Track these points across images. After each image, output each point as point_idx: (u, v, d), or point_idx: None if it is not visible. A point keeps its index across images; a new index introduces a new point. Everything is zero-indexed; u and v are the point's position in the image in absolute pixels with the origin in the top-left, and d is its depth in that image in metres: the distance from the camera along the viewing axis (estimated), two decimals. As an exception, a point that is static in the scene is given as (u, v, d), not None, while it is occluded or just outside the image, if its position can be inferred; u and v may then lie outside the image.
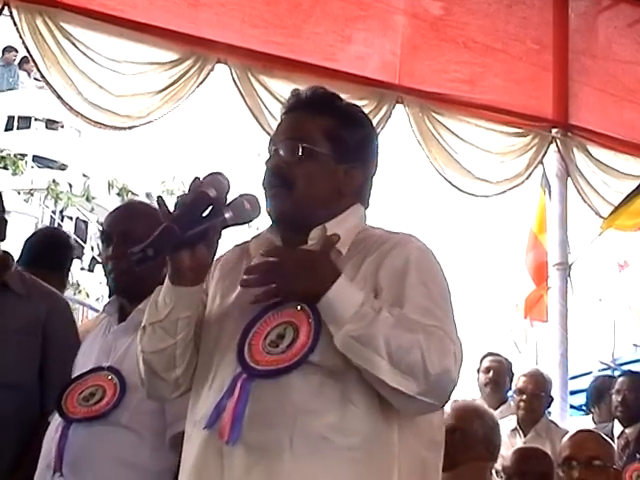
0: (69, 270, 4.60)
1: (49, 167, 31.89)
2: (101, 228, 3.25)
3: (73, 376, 3.12)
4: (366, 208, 2.46)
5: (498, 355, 6.57)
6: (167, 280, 2.24)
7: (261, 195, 2.32)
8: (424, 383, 2.06)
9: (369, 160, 2.45)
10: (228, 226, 2.21)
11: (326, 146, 2.35)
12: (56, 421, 2.99)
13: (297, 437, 2.07)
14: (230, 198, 2.22)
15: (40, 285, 3.72)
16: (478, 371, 6.43)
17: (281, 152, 2.34)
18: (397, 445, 2.17)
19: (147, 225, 3.14)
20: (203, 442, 2.17)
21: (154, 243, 2.14)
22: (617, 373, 8.79)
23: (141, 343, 2.31)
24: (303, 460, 2.07)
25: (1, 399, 3.28)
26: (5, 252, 3.57)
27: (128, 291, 3.15)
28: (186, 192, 2.21)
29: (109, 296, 3.70)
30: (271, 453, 2.08)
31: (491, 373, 6.36)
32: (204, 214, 2.18)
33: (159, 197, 2.22)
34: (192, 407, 2.30)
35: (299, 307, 2.17)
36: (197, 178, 2.22)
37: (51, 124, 34.90)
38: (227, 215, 2.19)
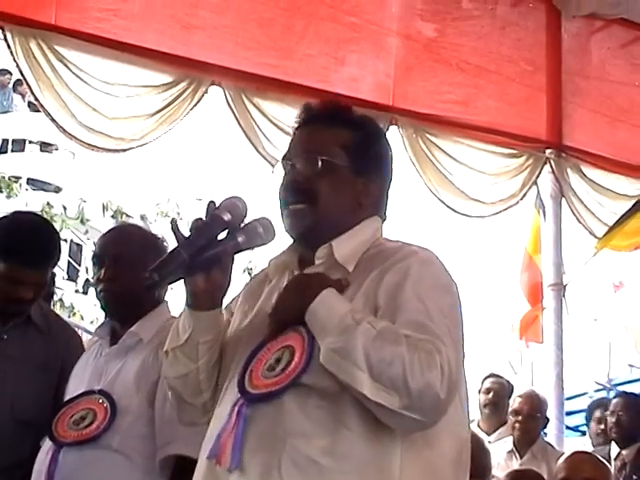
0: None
1: (43, 190, 31.93)
2: (93, 250, 3.25)
3: (65, 399, 3.11)
4: (384, 220, 2.43)
5: (499, 377, 6.55)
6: (185, 305, 2.23)
7: (273, 215, 2.31)
8: (406, 398, 1.98)
9: (385, 172, 2.43)
10: (241, 250, 2.21)
11: (344, 158, 2.32)
12: (47, 445, 2.98)
13: (285, 460, 2.04)
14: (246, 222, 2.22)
15: (56, 318, 3.74)
16: (479, 392, 6.41)
17: (299, 166, 2.31)
18: (399, 472, 2.08)
19: (138, 248, 3.15)
20: (205, 470, 2.17)
21: (158, 268, 2.13)
22: (613, 394, 8.79)
23: (163, 369, 2.31)
24: None
25: (21, 437, 3.23)
26: None
27: (120, 314, 3.15)
28: (200, 216, 2.18)
29: (105, 318, 3.70)
30: (262, 476, 2.05)
31: (491, 394, 6.34)
32: (219, 238, 2.17)
33: (173, 220, 2.21)
34: (207, 433, 2.27)
35: (297, 330, 2.15)
36: (212, 202, 2.20)
37: (45, 147, 34.94)
38: (240, 239, 2.18)
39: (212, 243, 2.15)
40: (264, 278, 2.40)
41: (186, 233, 2.17)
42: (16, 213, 3.62)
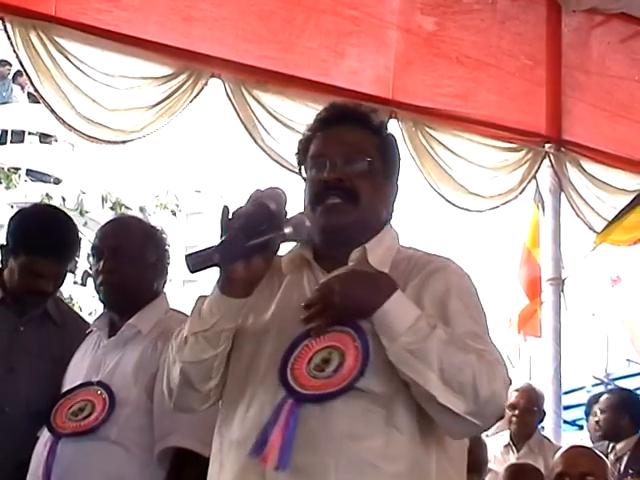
0: None
1: (42, 181, 31.94)
2: (92, 242, 3.25)
3: (63, 391, 3.11)
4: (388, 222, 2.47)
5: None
6: (216, 289, 2.19)
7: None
8: (473, 403, 2.06)
9: (398, 176, 2.48)
10: (286, 241, 2.20)
11: (380, 162, 2.37)
12: (45, 436, 2.98)
13: (343, 462, 2.07)
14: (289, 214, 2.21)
15: (72, 313, 3.76)
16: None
17: (341, 165, 2.32)
18: (435, 473, 2.16)
19: (137, 240, 3.16)
20: (242, 465, 2.15)
21: (221, 250, 2.10)
22: (610, 388, 8.81)
23: (180, 353, 2.25)
24: None
25: (35, 428, 3.20)
26: None
27: (119, 306, 3.15)
28: (246, 203, 2.17)
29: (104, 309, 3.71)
30: (316, 477, 2.07)
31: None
32: (264, 227, 2.15)
33: (225, 206, 2.17)
34: (225, 426, 2.27)
35: (342, 331, 2.16)
36: (257, 189, 2.20)
37: (45, 138, 34.92)
38: (287, 230, 2.16)
39: (259, 231, 2.13)
40: (271, 272, 2.35)
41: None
42: (35, 206, 3.63)
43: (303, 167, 2.44)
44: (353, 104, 2.48)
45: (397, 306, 2.11)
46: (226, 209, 2.16)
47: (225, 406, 2.30)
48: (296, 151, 2.49)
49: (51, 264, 3.33)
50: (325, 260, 2.33)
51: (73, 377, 3.13)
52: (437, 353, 2.06)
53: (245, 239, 2.10)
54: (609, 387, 9.24)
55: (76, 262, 3.69)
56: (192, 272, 2.15)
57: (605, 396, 6.53)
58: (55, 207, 3.90)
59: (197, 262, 2.11)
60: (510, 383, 2.16)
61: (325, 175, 2.31)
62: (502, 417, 2.31)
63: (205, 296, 2.27)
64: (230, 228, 2.12)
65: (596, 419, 6.31)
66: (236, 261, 2.12)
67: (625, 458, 5.97)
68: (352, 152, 2.33)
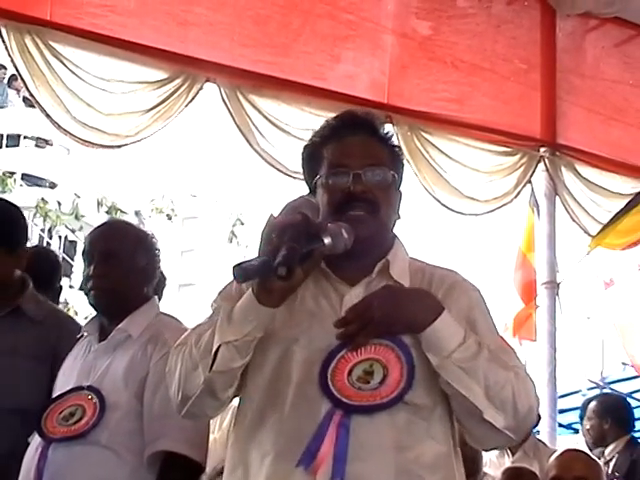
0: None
1: (38, 185, 31.90)
2: (83, 247, 3.25)
3: (53, 396, 3.11)
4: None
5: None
6: (251, 298, 2.17)
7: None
8: (512, 419, 2.16)
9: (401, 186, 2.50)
10: (326, 251, 2.18)
11: (393, 172, 2.39)
12: (36, 441, 2.98)
13: (392, 472, 2.12)
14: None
15: (55, 310, 3.73)
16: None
17: (365, 177, 2.32)
18: None
19: (128, 244, 3.16)
20: (284, 476, 2.14)
21: (287, 262, 2.05)
22: (606, 392, 8.80)
23: (204, 361, 2.20)
24: None
25: (12, 424, 3.21)
26: (22, 276, 3.54)
27: (109, 310, 3.15)
28: (286, 212, 2.21)
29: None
30: None
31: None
32: (308, 236, 2.14)
33: (271, 215, 2.19)
34: (251, 434, 2.24)
35: (381, 344, 2.18)
36: (294, 200, 2.27)
37: (40, 142, 34.91)
38: (326, 241, 2.16)
39: (305, 241, 2.12)
40: None
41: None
42: None
43: (311, 173, 2.43)
44: (365, 113, 2.48)
45: (447, 324, 2.17)
46: (272, 217, 2.22)
47: (248, 414, 2.27)
48: (303, 156, 2.48)
49: None
50: (341, 270, 2.33)
51: (64, 382, 3.13)
52: (483, 370, 2.14)
53: (301, 248, 2.09)
54: (604, 391, 9.24)
55: (26, 250, 3.61)
56: (241, 282, 2.15)
57: (592, 403, 6.58)
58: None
59: (252, 273, 2.09)
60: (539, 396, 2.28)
61: (350, 186, 2.31)
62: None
63: (221, 305, 2.26)
64: (281, 239, 2.10)
65: (586, 427, 6.36)
66: (295, 272, 2.09)
67: (612, 462, 6.00)
68: (375, 164, 2.35)
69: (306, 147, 2.48)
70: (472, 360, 2.13)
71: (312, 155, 2.44)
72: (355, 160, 2.34)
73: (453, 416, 2.25)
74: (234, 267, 2.09)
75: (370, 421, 2.13)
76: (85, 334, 3.24)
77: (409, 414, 2.16)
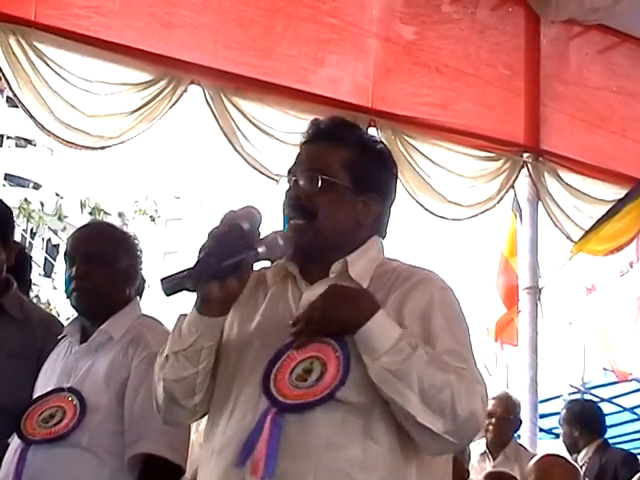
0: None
1: (21, 186, 31.78)
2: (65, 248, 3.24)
3: (34, 397, 3.10)
4: (383, 238, 2.48)
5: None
6: (193, 309, 2.22)
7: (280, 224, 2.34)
8: (451, 423, 2.09)
9: (387, 191, 2.47)
10: (260, 260, 2.21)
11: (345, 178, 2.36)
12: (15, 443, 2.96)
13: (320, 471, 2.09)
14: (263, 233, 2.23)
15: (39, 310, 3.72)
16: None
17: (301, 183, 2.34)
18: None
19: (110, 245, 3.15)
20: (222, 473, 2.17)
21: (193, 275, 2.12)
22: (587, 397, 8.84)
23: (162, 371, 2.29)
24: None
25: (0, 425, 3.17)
26: (6, 276, 3.51)
27: (90, 311, 3.14)
28: (219, 224, 2.20)
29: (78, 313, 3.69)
30: None
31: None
32: (237, 247, 2.17)
33: (213, 229, 2.20)
34: (209, 435, 2.29)
35: (324, 342, 2.17)
36: (231, 210, 2.22)
37: (23, 143, 34.77)
38: (260, 249, 2.18)
39: (232, 252, 2.15)
40: (257, 283, 2.40)
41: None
42: None
43: None
44: (331, 120, 2.47)
45: (379, 325, 2.13)
46: (230, 213, 2.21)
47: (211, 416, 2.32)
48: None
49: None
50: (309, 273, 2.35)
51: (44, 383, 3.12)
52: (417, 373, 2.08)
53: (217, 260, 2.12)
54: (584, 396, 9.28)
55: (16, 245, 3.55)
56: (167, 295, 2.18)
57: (562, 411, 6.65)
58: None
59: (170, 286, 2.13)
60: (487, 400, 2.21)
61: (288, 194, 2.36)
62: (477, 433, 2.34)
63: (185, 314, 2.29)
64: (202, 250, 2.14)
65: (561, 434, 6.44)
66: (209, 283, 2.14)
67: (584, 467, 6.04)
68: (310, 170, 2.35)
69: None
70: (403, 363, 2.08)
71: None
72: (297, 167, 2.38)
73: None
74: (160, 280, 2.13)
75: (302, 419, 2.12)
76: (67, 335, 3.23)
77: (345, 413, 2.13)
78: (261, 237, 2.21)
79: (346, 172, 2.36)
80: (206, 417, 2.37)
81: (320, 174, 2.33)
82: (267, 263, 2.38)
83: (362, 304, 2.16)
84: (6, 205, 3.54)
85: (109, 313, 3.11)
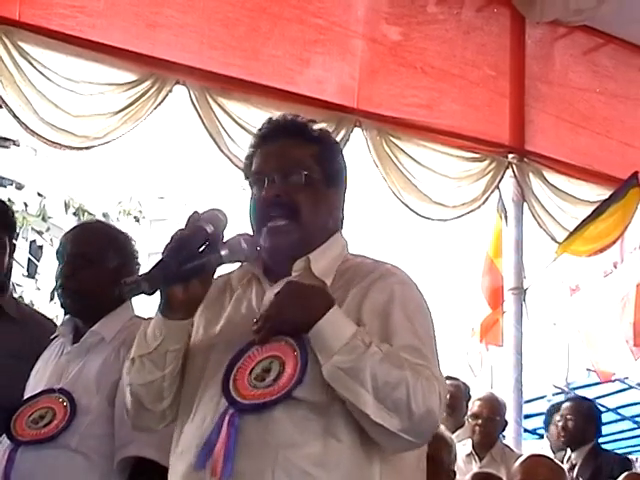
0: None
1: (4, 186, 31.64)
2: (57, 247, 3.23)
3: (25, 397, 3.08)
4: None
5: (456, 379, 6.58)
6: (157, 313, 2.22)
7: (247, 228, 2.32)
8: (407, 421, 2.07)
9: (344, 183, 2.47)
10: (223, 263, 2.20)
11: (318, 172, 2.36)
12: (4, 444, 2.95)
13: (279, 470, 2.07)
14: (227, 236, 2.22)
15: (34, 312, 3.74)
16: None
17: (279, 181, 2.31)
18: None
19: (100, 245, 3.14)
20: (184, 475, 2.17)
21: (150, 277, 2.11)
22: (572, 396, 8.86)
23: (129, 375, 2.28)
24: None
25: None
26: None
27: (79, 311, 3.13)
28: (183, 226, 2.19)
29: (64, 314, 3.68)
30: None
31: (448, 397, 6.36)
32: (200, 249, 2.16)
33: (195, 212, 2.20)
34: (175, 438, 2.28)
35: (284, 341, 2.16)
36: (196, 212, 2.21)
37: (6, 143, 34.63)
38: (223, 252, 2.18)
39: (194, 255, 2.15)
40: (224, 287, 2.40)
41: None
42: None
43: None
44: (290, 117, 2.45)
45: (332, 323, 2.11)
46: (195, 214, 2.20)
47: (178, 420, 2.31)
48: (243, 170, 2.48)
49: None
50: (273, 274, 2.33)
51: (35, 383, 3.11)
52: (371, 371, 2.06)
53: (176, 263, 2.12)
54: (569, 396, 9.30)
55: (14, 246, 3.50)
56: (127, 298, 2.18)
57: (571, 402, 6.59)
58: None
59: (129, 289, 2.13)
60: (444, 397, 2.17)
61: (264, 193, 2.32)
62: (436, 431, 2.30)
63: (149, 318, 2.29)
64: (163, 253, 2.14)
65: (562, 424, 6.34)
66: (167, 286, 2.14)
67: (577, 467, 6.03)
68: (287, 166, 2.34)
69: (245, 159, 2.49)
70: (355, 361, 2.06)
71: (247, 168, 2.45)
72: (270, 166, 2.35)
73: None
74: (120, 283, 2.15)
75: (260, 419, 2.11)
76: (59, 335, 3.22)
77: (305, 411, 2.11)
78: (224, 240, 2.20)
79: (318, 167, 2.36)
80: None
81: (301, 170, 2.33)
82: (235, 266, 2.37)
83: (314, 301, 2.15)
84: (10, 208, 3.51)
85: (100, 313, 3.09)
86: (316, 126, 2.45)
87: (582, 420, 6.30)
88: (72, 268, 3.10)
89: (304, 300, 2.15)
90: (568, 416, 6.31)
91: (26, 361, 3.30)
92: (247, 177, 2.44)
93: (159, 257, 2.14)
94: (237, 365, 2.18)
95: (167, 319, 2.20)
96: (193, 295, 2.18)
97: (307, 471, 2.08)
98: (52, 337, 3.24)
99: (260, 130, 2.44)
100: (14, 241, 3.55)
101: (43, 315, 3.77)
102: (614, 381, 9.98)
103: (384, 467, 2.18)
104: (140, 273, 2.16)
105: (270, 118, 2.47)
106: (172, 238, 2.15)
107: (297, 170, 2.33)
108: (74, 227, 3.30)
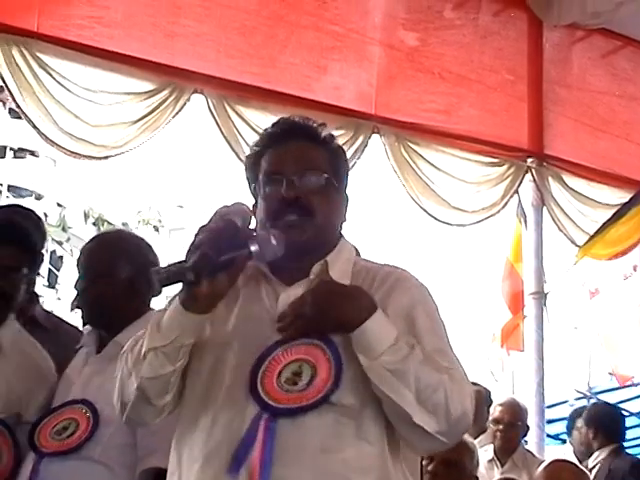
0: None
1: (24, 197, 31.85)
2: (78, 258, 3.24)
3: (52, 407, 3.09)
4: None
5: (477, 384, 6.56)
6: (177, 305, 2.16)
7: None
8: (445, 423, 2.10)
9: (346, 188, 2.47)
10: (251, 259, 2.16)
11: (332, 175, 2.37)
12: (29, 455, 2.95)
13: (318, 476, 2.07)
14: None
15: (63, 321, 3.75)
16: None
17: (299, 182, 2.30)
18: None
19: (111, 258, 3.13)
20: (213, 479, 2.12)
21: (195, 268, 2.06)
22: (594, 401, 8.82)
23: (137, 368, 2.21)
24: None
25: (24, 431, 3.13)
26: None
27: (101, 323, 3.13)
28: (213, 219, 2.16)
29: (82, 325, 3.69)
30: None
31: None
32: (231, 244, 2.11)
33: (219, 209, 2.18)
34: (184, 440, 2.23)
35: (312, 343, 2.15)
36: (225, 206, 2.20)
37: (26, 154, 34.83)
38: (253, 248, 2.13)
39: (226, 248, 2.10)
40: None
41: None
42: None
43: (254, 183, 2.42)
44: (301, 119, 2.45)
45: (378, 324, 2.11)
46: (219, 210, 2.19)
47: (184, 420, 2.26)
48: (245, 166, 2.46)
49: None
50: (282, 273, 2.31)
51: (61, 394, 3.11)
52: (414, 373, 2.08)
53: (217, 254, 2.07)
54: (591, 401, 9.26)
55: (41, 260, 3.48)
56: (161, 287, 2.15)
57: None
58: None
59: (165, 277, 2.09)
60: (474, 399, 2.20)
61: (283, 193, 2.29)
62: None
63: (160, 310, 2.25)
64: (199, 244, 2.09)
65: (574, 437, 6.34)
66: (208, 277, 2.09)
67: (594, 471, 5.99)
68: (308, 168, 2.33)
69: (247, 157, 2.47)
70: (402, 363, 2.08)
71: (251, 166, 2.42)
72: (289, 166, 2.33)
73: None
74: (151, 271, 2.10)
75: (295, 424, 2.09)
76: (83, 346, 3.22)
77: (337, 415, 2.11)
78: (254, 235, 2.17)
79: (331, 170, 2.37)
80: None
81: (321, 173, 2.33)
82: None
83: (362, 301, 2.15)
84: (42, 224, 3.49)
85: (123, 324, 3.08)
86: (325, 130, 2.44)
87: (585, 430, 6.30)
88: (86, 282, 3.11)
89: (351, 300, 2.15)
90: (575, 428, 6.33)
91: (58, 370, 3.32)
92: (251, 176, 2.42)
93: (193, 248, 2.09)
94: (262, 368, 2.16)
95: (188, 312, 2.15)
96: (218, 290, 2.13)
97: (344, 475, 2.09)
98: (77, 347, 3.24)
99: (271, 129, 2.43)
100: (43, 251, 3.56)
101: (70, 324, 3.78)
102: (637, 385, 9.92)
103: (402, 467, 2.22)
104: (173, 263, 2.09)
105: (281, 119, 2.46)
106: (205, 230, 2.12)
107: (318, 173, 2.33)
108: (93, 237, 3.30)
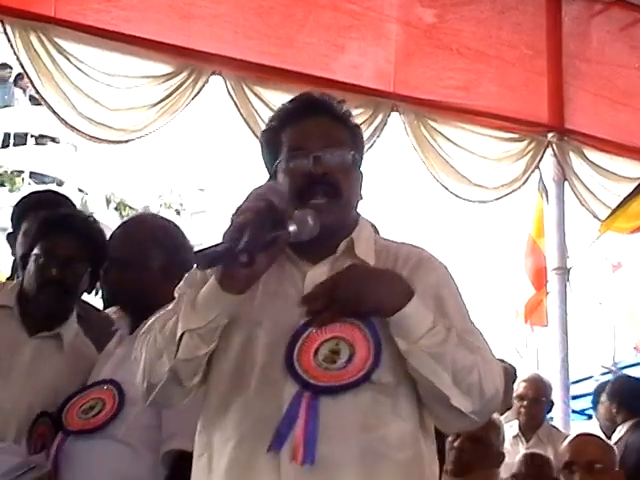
0: None
1: (46, 183, 32.00)
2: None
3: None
4: None
5: (502, 361, 6.53)
6: (214, 285, 2.12)
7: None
8: (479, 403, 2.13)
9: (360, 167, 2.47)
10: (290, 239, 2.13)
11: (354, 153, 2.36)
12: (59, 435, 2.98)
13: (358, 453, 2.09)
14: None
15: (93, 308, 3.76)
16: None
17: (326, 159, 2.28)
18: (427, 458, 2.23)
19: (137, 247, 3.12)
20: (252, 460, 2.11)
21: (248, 249, 2.01)
22: (619, 374, 8.79)
23: (168, 349, 2.17)
24: (365, 475, 2.10)
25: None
26: None
27: (134, 305, 3.12)
28: (250, 199, 2.13)
29: (103, 309, 3.71)
30: (330, 469, 2.08)
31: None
32: (271, 224, 2.09)
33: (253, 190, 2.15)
34: (215, 419, 2.22)
35: (348, 322, 2.15)
36: (260, 186, 2.18)
37: (47, 140, 34.95)
38: (291, 229, 2.11)
39: (267, 228, 2.07)
40: None
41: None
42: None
43: (270, 158, 2.40)
44: (321, 95, 2.43)
45: (416, 310, 2.12)
46: (253, 191, 2.16)
47: (213, 400, 2.25)
48: (261, 141, 2.44)
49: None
50: (303, 251, 2.28)
51: (93, 375, 3.13)
52: (451, 356, 2.10)
53: (264, 234, 2.05)
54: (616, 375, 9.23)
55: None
56: (203, 269, 2.14)
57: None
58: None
59: (210, 260, 2.06)
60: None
61: (311, 169, 2.26)
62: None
63: (185, 292, 2.22)
64: (243, 225, 2.05)
65: (600, 411, 6.28)
66: (257, 258, 2.05)
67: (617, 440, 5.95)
68: (335, 145, 2.31)
69: (264, 132, 2.45)
70: (440, 346, 2.09)
71: (270, 140, 2.40)
72: (314, 142, 2.30)
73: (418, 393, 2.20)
74: (195, 253, 2.06)
75: (336, 402, 2.10)
76: (119, 329, 3.22)
77: (375, 393, 2.13)
78: (292, 215, 2.14)
79: (354, 147, 2.37)
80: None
81: (349, 150, 2.32)
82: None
83: (400, 285, 2.15)
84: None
85: (154, 307, 3.07)
86: (344, 107, 2.42)
87: (608, 404, 6.23)
88: (115, 274, 3.11)
89: (387, 284, 2.15)
90: (591, 406, 6.31)
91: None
92: (269, 151, 2.40)
93: (235, 228, 2.05)
94: (297, 346, 2.15)
95: (225, 292, 2.12)
96: (257, 270, 2.10)
97: (384, 453, 2.11)
98: (113, 329, 3.24)
99: (291, 104, 2.42)
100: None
101: (97, 308, 3.79)
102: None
103: (428, 443, 2.25)
104: (216, 243, 2.04)
105: (301, 94, 2.45)
106: (246, 210, 2.09)
107: (345, 150, 2.32)
108: (117, 228, 3.27)
